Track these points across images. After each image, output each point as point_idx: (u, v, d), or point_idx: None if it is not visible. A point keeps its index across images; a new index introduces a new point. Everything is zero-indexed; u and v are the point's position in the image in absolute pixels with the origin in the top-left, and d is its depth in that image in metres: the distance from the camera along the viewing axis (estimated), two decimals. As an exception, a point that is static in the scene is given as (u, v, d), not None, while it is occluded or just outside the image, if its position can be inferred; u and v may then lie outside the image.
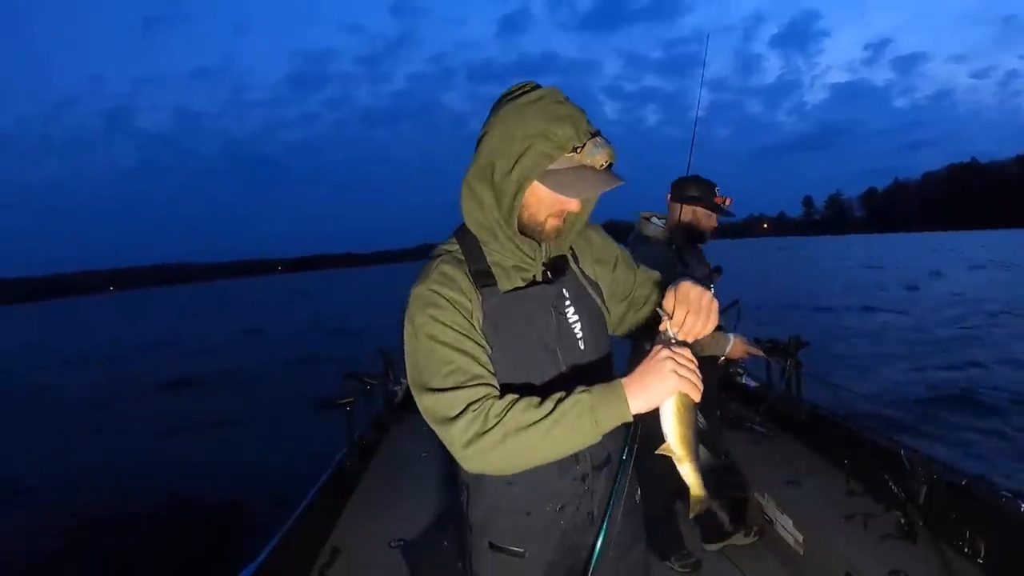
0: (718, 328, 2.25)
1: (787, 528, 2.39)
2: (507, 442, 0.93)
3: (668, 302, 0.98)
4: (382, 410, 3.73)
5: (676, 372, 0.92)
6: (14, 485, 7.02)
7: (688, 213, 2.41)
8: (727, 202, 2.45)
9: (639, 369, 0.95)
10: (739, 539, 2.54)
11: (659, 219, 2.46)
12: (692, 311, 0.96)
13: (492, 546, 1.12)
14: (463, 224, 1.11)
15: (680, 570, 2.39)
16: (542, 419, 0.92)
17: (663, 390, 0.93)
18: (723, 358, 2.49)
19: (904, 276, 26.84)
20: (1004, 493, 1.85)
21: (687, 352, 0.95)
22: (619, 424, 0.95)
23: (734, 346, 2.45)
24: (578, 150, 0.97)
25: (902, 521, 2.04)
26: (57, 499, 6.47)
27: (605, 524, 1.06)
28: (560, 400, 0.94)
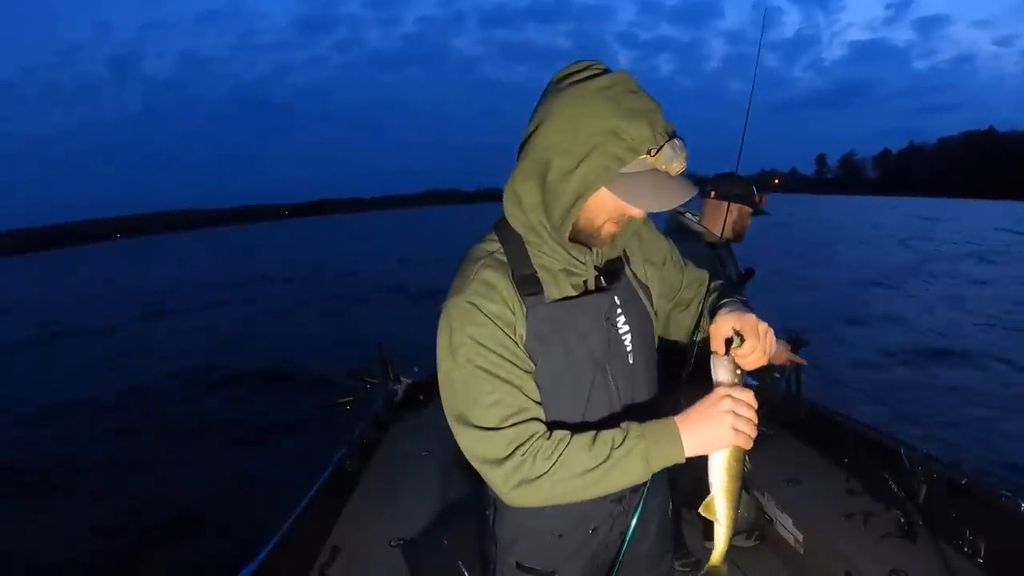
0: None
1: (787, 527, 2.39)
2: (556, 489, 0.88)
3: (726, 328, 0.91)
4: (382, 409, 3.73)
5: (735, 424, 0.86)
6: None
7: (734, 212, 2.35)
8: (764, 201, 2.40)
9: (697, 412, 0.88)
10: (740, 541, 2.53)
11: (692, 215, 2.40)
12: (754, 342, 0.90)
13: (520, 566, 1.07)
14: (503, 219, 0.98)
15: (680, 569, 2.38)
16: (595, 468, 0.86)
17: (719, 441, 0.88)
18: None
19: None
20: (1004, 493, 1.85)
21: (750, 397, 0.88)
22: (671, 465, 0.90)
23: (777, 352, 2.34)
24: (653, 153, 0.84)
25: (902, 520, 2.04)
26: (51, 495, 6.47)
27: (627, 540, 1.04)
28: (613, 445, 0.87)
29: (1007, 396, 7.63)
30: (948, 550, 1.92)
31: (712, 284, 1.17)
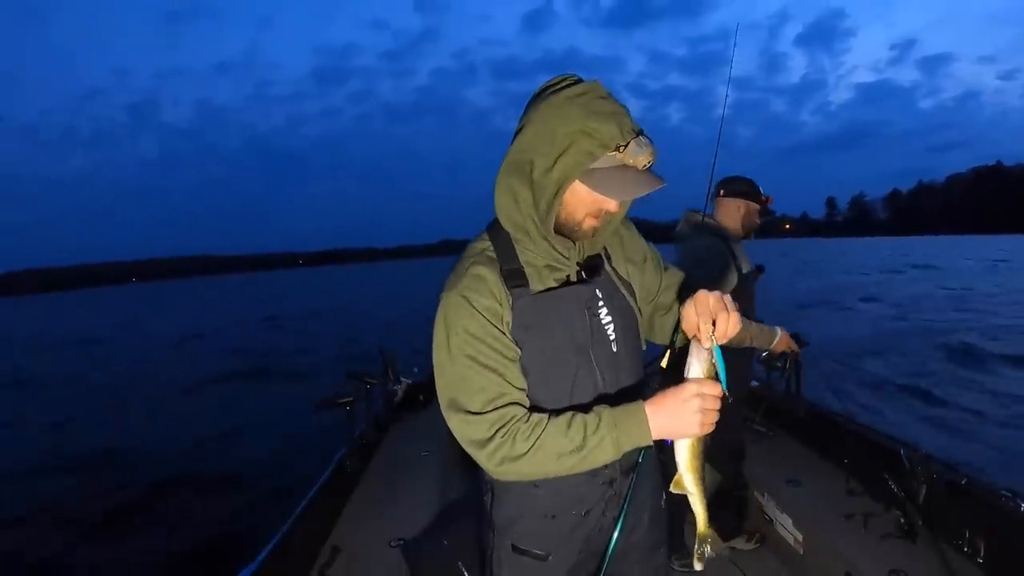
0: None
1: (787, 527, 2.39)
2: (536, 468, 0.97)
3: (690, 317, 0.96)
4: (382, 410, 3.73)
5: (701, 417, 0.93)
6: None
7: (743, 208, 2.44)
8: (769, 200, 2.49)
9: (666, 401, 0.95)
10: (740, 543, 2.54)
11: (708, 218, 2.47)
12: (716, 317, 0.94)
13: (515, 548, 1.12)
14: (495, 220, 1.08)
15: (680, 569, 2.39)
16: (570, 452, 0.95)
17: (684, 431, 0.95)
18: (766, 352, 2.43)
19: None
20: (1003, 492, 1.85)
21: (716, 390, 0.94)
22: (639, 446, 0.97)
23: (781, 339, 2.36)
24: (621, 149, 0.94)
25: (902, 520, 2.04)
26: (51, 494, 6.47)
27: (619, 526, 1.07)
28: (587, 431, 0.96)
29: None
30: (948, 550, 1.92)
31: (689, 285, 1.22)
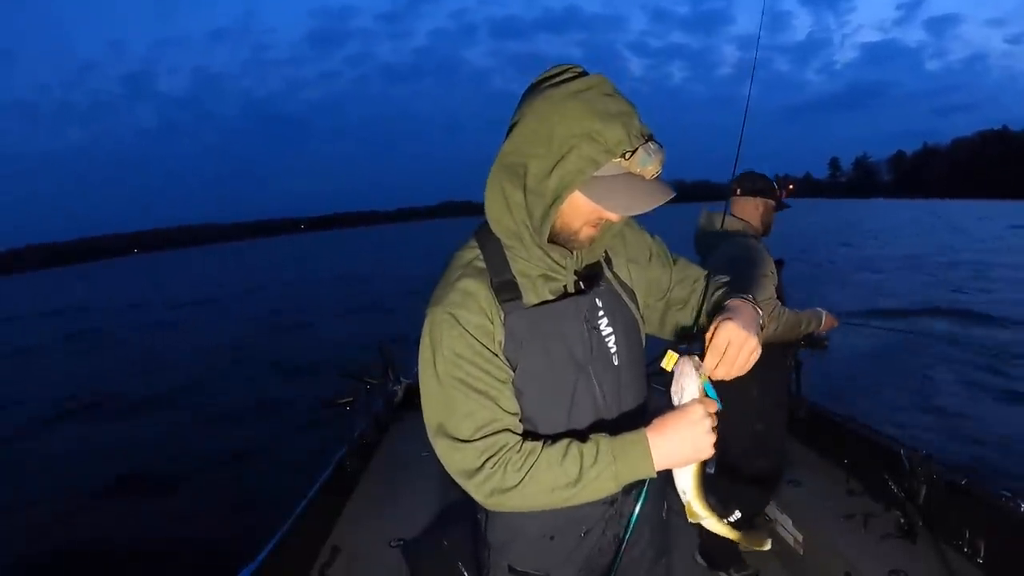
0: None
1: (787, 528, 2.39)
2: (527, 501, 0.91)
3: (716, 338, 0.90)
4: (382, 410, 3.73)
5: (710, 438, 0.88)
6: None
7: (760, 206, 2.38)
8: (785, 193, 2.43)
9: (674, 426, 0.89)
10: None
11: (731, 218, 2.39)
12: (727, 359, 0.89)
13: (512, 569, 1.06)
14: (484, 224, 0.99)
15: (700, 563, 2.38)
16: (565, 486, 0.89)
17: (695, 455, 0.90)
18: (813, 334, 2.33)
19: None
20: (1003, 493, 1.85)
21: (714, 406, 0.90)
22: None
23: (827, 319, 2.32)
24: (627, 156, 0.84)
25: (902, 521, 2.04)
26: (51, 494, 6.47)
27: (623, 549, 1.04)
28: (583, 464, 0.89)
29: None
30: (948, 550, 1.92)
31: (714, 282, 1.13)
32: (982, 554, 1.84)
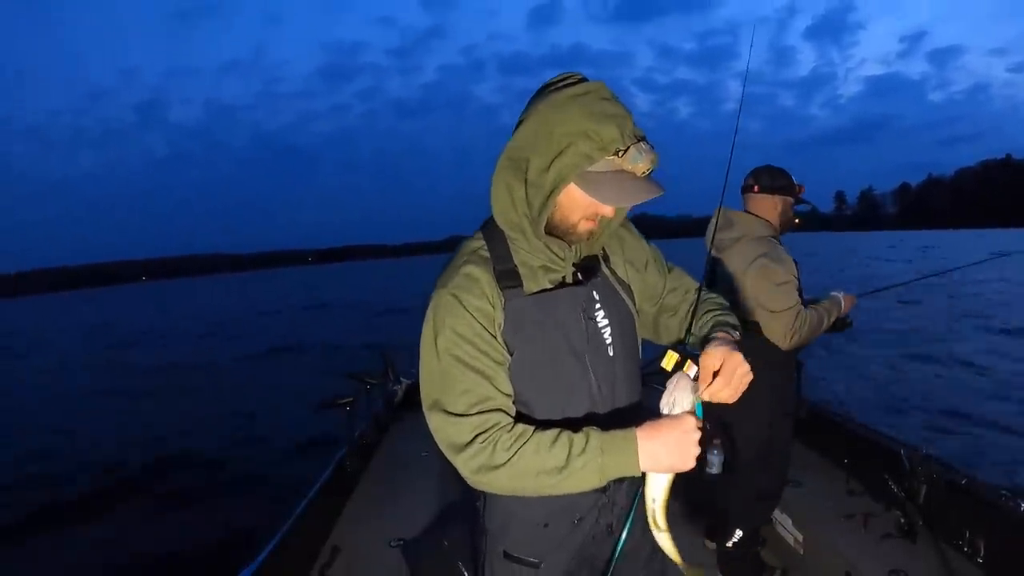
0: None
1: (787, 527, 2.39)
2: (513, 482, 0.94)
3: (713, 362, 0.93)
4: (382, 410, 3.73)
5: (695, 451, 0.91)
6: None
7: (779, 204, 2.24)
8: (801, 189, 2.30)
9: (665, 432, 0.91)
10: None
11: (751, 216, 2.27)
12: (723, 376, 0.92)
13: (507, 555, 1.09)
14: (490, 218, 1.05)
15: (710, 548, 2.37)
16: (550, 471, 0.91)
17: (679, 464, 0.92)
18: (837, 318, 2.24)
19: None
20: (1004, 492, 1.85)
21: (699, 423, 0.93)
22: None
23: (846, 301, 2.25)
24: (620, 153, 0.91)
25: (902, 520, 2.04)
26: (48, 492, 6.47)
27: (622, 539, 1.05)
28: (571, 452, 0.91)
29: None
30: (948, 550, 1.93)
31: (707, 300, 1.17)
32: (982, 554, 1.84)
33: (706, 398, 0.94)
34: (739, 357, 0.93)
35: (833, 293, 2.28)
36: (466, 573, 1.71)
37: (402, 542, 2.32)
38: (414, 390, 3.79)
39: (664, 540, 0.99)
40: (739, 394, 0.94)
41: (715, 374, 0.93)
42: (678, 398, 0.94)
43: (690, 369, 0.96)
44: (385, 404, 3.79)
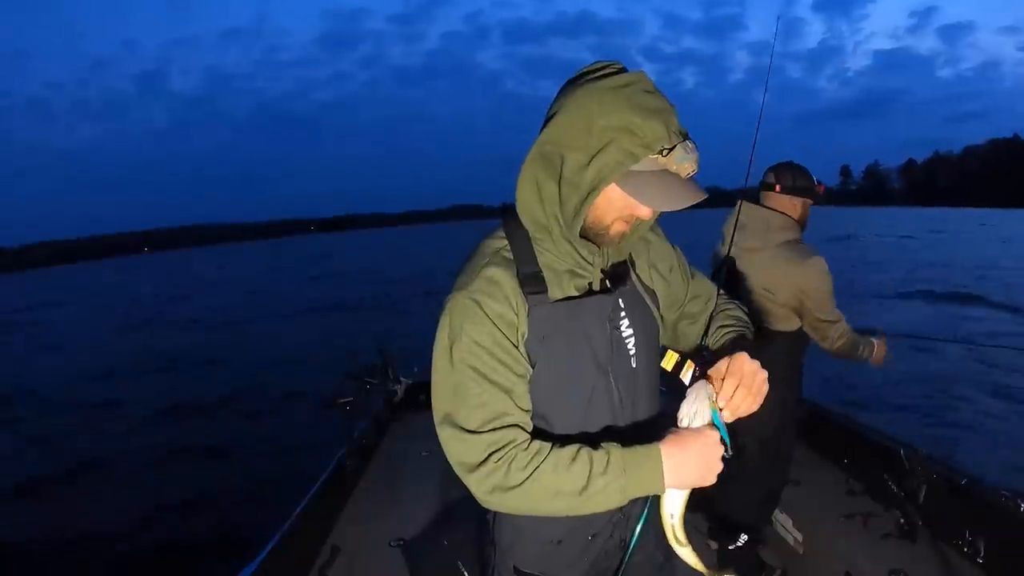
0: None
1: (787, 528, 2.39)
2: (529, 504, 0.88)
3: (720, 371, 0.91)
4: (382, 410, 3.73)
5: (718, 467, 0.88)
6: None
7: (799, 206, 2.13)
8: (821, 188, 2.20)
9: (687, 445, 0.87)
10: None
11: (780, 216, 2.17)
12: (744, 387, 0.89)
13: (517, 571, 1.06)
14: (513, 215, 0.97)
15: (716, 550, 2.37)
16: (569, 492, 0.86)
17: (702, 479, 0.89)
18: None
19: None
20: (1004, 492, 1.85)
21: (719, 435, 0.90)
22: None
23: (877, 350, 2.13)
24: (665, 152, 0.84)
25: (902, 520, 2.04)
26: (46, 494, 6.47)
27: (629, 551, 1.03)
28: (592, 471, 0.86)
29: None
30: (948, 550, 1.92)
31: (723, 306, 1.14)
32: (982, 554, 1.84)
33: (727, 413, 0.90)
34: (756, 365, 0.90)
35: (872, 339, 2.16)
36: (466, 573, 1.71)
37: (402, 542, 2.32)
38: (414, 390, 3.79)
39: (687, 554, 0.96)
40: (759, 403, 0.91)
41: (728, 383, 0.90)
42: (699, 409, 0.90)
43: (688, 371, 0.94)
44: (385, 404, 3.79)
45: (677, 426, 0.91)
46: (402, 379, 3.86)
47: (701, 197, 0.86)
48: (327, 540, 2.38)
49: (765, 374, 0.90)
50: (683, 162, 0.85)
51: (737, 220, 1.99)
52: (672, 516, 0.93)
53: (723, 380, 0.90)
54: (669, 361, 0.95)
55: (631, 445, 0.89)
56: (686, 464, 0.87)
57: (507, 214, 1.00)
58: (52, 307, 31.10)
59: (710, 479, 0.89)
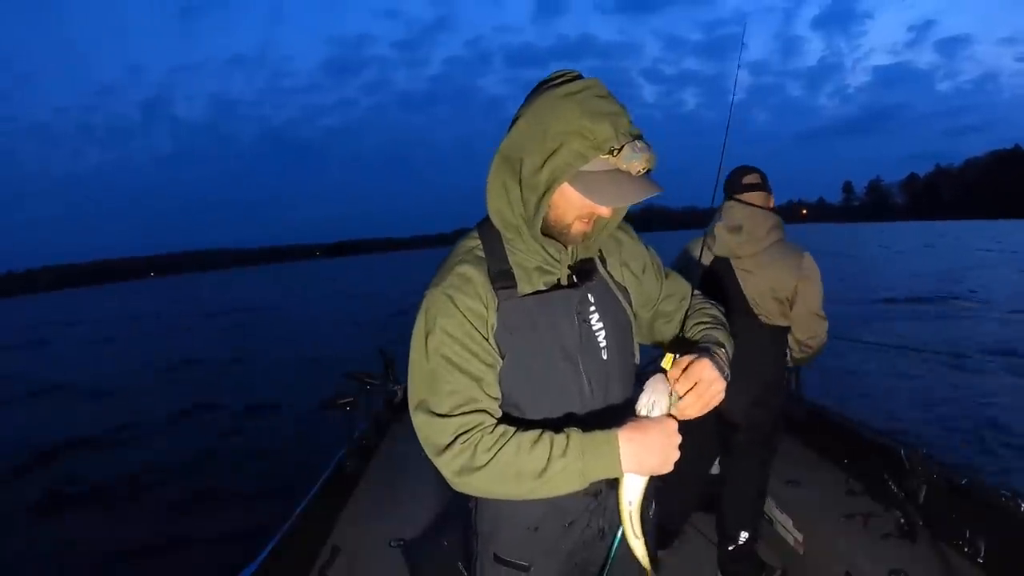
0: None
1: (787, 528, 2.39)
2: (494, 485, 0.93)
3: (680, 369, 0.94)
4: (382, 410, 3.73)
5: (675, 456, 0.91)
6: None
7: (770, 200, 2.18)
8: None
9: (646, 432, 0.91)
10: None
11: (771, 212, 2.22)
12: (696, 392, 0.92)
13: (497, 558, 1.08)
14: (487, 217, 1.04)
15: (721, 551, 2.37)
16: (530, 473, 0.90)
17: (660, 466, 0.92)
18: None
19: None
20: (1004, 492, 1.85)
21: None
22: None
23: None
24: (615, 152, 0.89)
25: (902, 520, 2.04)
26: (45, 493, 6.47)
27: (615, 545, 1.04)
28: (552, 453, 0.90)
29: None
30: (948, 550, 1.92)
31: (699, 305, 1.18)
32: (982, 554, 1.84)
33: (674, 413, 0.94)
34: (715, 375, 0.93)
35: None
36: (466, 573, 1.71)
37: (402, 542, 2.32)
38: None
39: (638, 547, 0.98)
40: (706, 412, 0.94)
41: (683, 384, 0.94)
42: (657, 400, 0.93)
43: (669, 361, 0.96)
44: (385, 404, 3.79)
45: (636, 415, 0.94)
46: (402, 380, 3.85)
47: (652, 192, 0.91)
48: (327, 540, 2.38)
49: (723, 385, 0.94)
50: (632, 160, 0.89)
51: (732, 221, 2.04)
52: (630, 504, 0.96)
53: (677, 380, 0.94)
54: (668, 361, 0.98)
55: (592, 431, 0.93)
56: (644, 450, 0.91)
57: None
58: (65, 326, 31.30)
59: (667, 467, 0.93)
